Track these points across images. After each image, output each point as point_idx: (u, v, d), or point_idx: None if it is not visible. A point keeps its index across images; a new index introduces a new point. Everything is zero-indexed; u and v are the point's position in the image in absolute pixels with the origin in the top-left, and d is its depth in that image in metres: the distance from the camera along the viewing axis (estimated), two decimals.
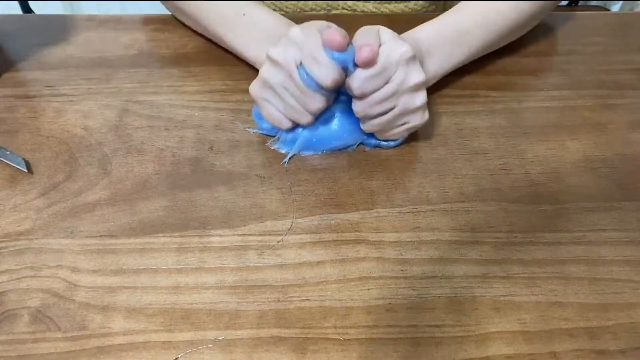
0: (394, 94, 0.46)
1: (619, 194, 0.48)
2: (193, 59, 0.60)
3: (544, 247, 0.44)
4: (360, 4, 0.68)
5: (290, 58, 0.45)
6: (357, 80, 0.45)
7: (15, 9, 1.14)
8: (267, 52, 0.46)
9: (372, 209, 0.46)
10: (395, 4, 0.68)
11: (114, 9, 0.64)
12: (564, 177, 0.49)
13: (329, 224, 0.45)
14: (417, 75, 0.46)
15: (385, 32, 0.47)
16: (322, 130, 0.50)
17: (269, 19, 0.55)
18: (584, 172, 0.50)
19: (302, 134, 0.49)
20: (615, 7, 1.51)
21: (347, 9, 0.69)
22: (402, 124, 0.48)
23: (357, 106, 0.47)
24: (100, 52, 0.61)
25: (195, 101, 0.56)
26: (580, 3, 1.23)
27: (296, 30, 0.46)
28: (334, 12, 0.69)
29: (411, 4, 0.69)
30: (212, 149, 0.51)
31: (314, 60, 0.44)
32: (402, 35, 0.53)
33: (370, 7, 0.68)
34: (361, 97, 0.46)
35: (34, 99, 0.55)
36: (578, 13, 0.71)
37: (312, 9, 0.69)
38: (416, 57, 0.46)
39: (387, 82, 0.45)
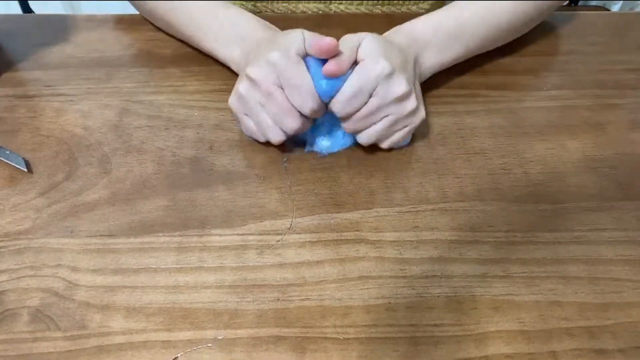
0: (379, 108, 0.45)
1: (619, 193, 0.48)
2: (193, 59, 0.60)
3: (543, 247, 0.44)
4: (353, 7, 0.68)
5: (269, 81, 0.45)
6: (338, 104, 0.45)
7: (15, 9, 1.14)
8: (246, 71, 0.46)
9: (371, 209, 0.46)
10: (388, 6, 0.68)
11: (114, 9, 0.64)
12: (564, 177, 0.49)
13: (328, 223, 0.45)
14: (398, 88, 0.45)
15: (364, 48, 0.45)
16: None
17: (242, 19, 0.54)
18: (583, 172, 0.50)
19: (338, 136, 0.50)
20: (615, 7, 1.51)
21: (338, 12, 0.69)
22: (402, 128, 0.48)
23: (346, 125, 0.47)
24: (100, 52, 0.61)
25: (195, 101, 0.56)
26: (580, 3, 1.23)
27: (275, 55, 0.44)
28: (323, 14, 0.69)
29: (403, 8, 0.69)
30: (212, 149, 0.51)
31: (295, 89, 0.44)
32: (399, 27, 0.53)
33: (363, 9, 0.68)
34: (346, 117, 0.46)
35: (34, 99, 0.55)
36: (578, 13, 0.71)
37: (302, 12, 0.68)
38: (396, 70, 0.45)
39: (370, 97, 0.45)
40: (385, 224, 0.45)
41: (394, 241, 0.44)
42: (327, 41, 0.43)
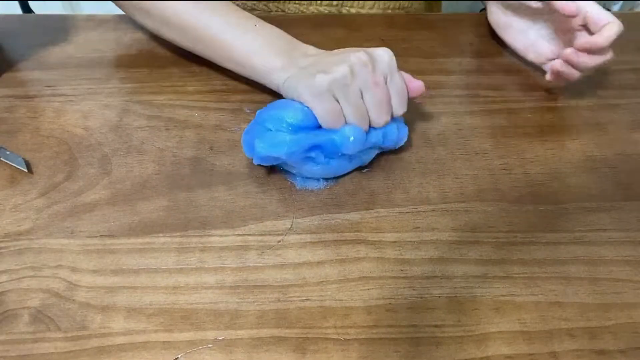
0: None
1: (619, 194, 0.48)
2: (193, 59, 0.60)
3: (544, 247, 0.44)
4: (364, 10, 0.68)
5: (383, 69, 0.46)
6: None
7: (15, 9, 1.14)
8: (357, 54, 0.46)
9: (372, 209, 0.46)
10: (399, 10, 0.68)
11: (114, 9, 0.64)
12: (564, 177, 0.49)
13: (329, 224, 0.45)
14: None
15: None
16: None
17: (282, 34, 0.53)
18: (584, 172, 0.50)
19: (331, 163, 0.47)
20: (615, 7, 1.51)
21: (344, 13, 0.69)
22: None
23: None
24: (100, 52, 0.61)
25: (195, 101, 0.56)
26: None
27: (386, 54, 0.47)
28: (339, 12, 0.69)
29: (415, 4, 0.69)
30: (212, 149, 0.51)
31: (396, 89, 0.47)
32: None
33: (373, 12, 0.68)
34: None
35: (34, 99, 0.55)
36: None
37: (312, 13, 0.69)
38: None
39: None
40: (385, 225, 0.45)
41: (395, 242, 0.44)
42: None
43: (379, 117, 0.46)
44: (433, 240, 0.44)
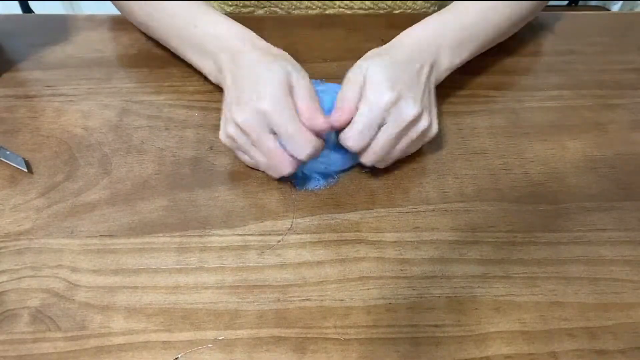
0: (397, 135, 0.45)
1: (619, 194, 0.48)
2: None
3: (544, 247, 0.44)
4: (358, 2, 0.68)
5: (257, 128, 0.43)
6: (351, 140, 0.44)
7: (15, 9, 1.13)
8: (233, 115, 0.44)
9: (372, 209, 0.46)
10: (392, 2, 0.68)
11: (114, 9, 0.64)
12: (564, 177, 0.49)
13: (329, 223, 0.45)
14: (409, 112, 0.44)
15: (369, 79, 0.44)
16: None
17: (222, 31, 0.52)
18: (584, 172, 0.50)
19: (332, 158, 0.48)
20: (615, 7, 1.51)
21: (343, 8, 0.69)
22: (415, 144, 0.48)
23: (364, 158, 0.46)
24: (100, 52, 0.61)
25: (195, 101, 0.56)
26: (580, 3, 1.23)
27: (265, 103, 0.42)
28: (328, 11, 0.69)
29: (409, 3, 0.69)
30: (212, 149, 0.51)
31: (289, 137, 0.43)
32: (401, 37, 0.51)
33: (368, 4, 0.68)
34: (362, 151, 0.45)
35: (34, 99, 0.55)
36: (578, 13, 0.71)
37: (307, 7, 0.68)
38: (403, 95, 0.44)
39: (381, 125, 0.44)
40: (385, 225, 0.45)
41: (395, 242, 0.44)
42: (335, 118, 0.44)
43: (282, 165, 0.44)
44: (433, 240, 0.44)
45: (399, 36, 0.51)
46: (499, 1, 0.55)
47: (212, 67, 0.52)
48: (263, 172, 0.48)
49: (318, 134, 0.44)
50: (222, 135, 0.47)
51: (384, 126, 0.44)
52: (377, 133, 0.44)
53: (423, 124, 0.46)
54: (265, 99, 0.43)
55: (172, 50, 0.58)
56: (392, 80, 0.44)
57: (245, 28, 0.52)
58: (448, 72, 0.53)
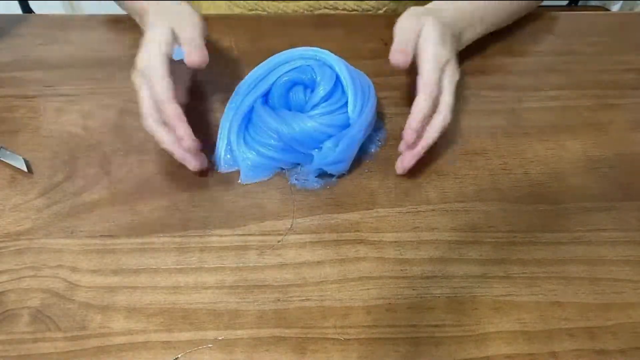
0: (454, 91, 0.48)
1: (619, 194, 0.48)
2: None
3: (544, 247, 0.44)
4: (341, 2, 0.68)
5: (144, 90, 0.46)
6: (422, 97, 0.46)
7: (15, 9, 1.13)
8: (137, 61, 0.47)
9: (372, 209, 0.46)
10: (375, 2, 0.68)
11: (114, 9, 0.64)
12: (564, 177, 0.49)
13: (329, 224, 0.45)
14: (458, 73, 0.48)
15: (426, 38, 0.47)
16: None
17: None
18: (584, 172, 0.50)
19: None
20: (615, 7, 1.51)
21: (328, 8, 0.69)
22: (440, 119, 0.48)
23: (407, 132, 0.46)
24: (100, 52, 0.61)
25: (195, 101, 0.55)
26: (580, 3, 1.23)
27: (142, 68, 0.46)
28: (317, 12, 0.68)
29: (392, 4, 0.69)
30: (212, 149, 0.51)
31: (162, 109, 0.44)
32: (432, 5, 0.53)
33: (351, 4, 0.68)
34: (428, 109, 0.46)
35: (34, 99, 0.55)
36: (578, 13, 0.71)
37: (294, 11, 0.68)
38: (452, 56, 0.48)
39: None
40: (385, 225, 0.45)
41: (395, 242, 0.44)
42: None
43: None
44: (433, 240, 0.44)
45: (435, 2, 0.54)
46: None
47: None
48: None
49: None
50: (133, 75, 0.48)
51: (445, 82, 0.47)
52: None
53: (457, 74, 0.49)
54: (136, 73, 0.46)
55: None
56: (444, 40, 0.48)
57: None
58: (467, 44, 0.56)
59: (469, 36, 0.56)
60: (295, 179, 0.48)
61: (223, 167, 0.48)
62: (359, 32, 0.64)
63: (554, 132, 0.53)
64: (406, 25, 0.48)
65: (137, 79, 0.46)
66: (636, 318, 0.40)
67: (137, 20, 0.58)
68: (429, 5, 0.53)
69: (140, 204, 0.46)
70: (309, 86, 0.48)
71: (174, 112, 0.44)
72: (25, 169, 0.48)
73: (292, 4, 0.68)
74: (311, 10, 0.69)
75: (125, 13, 0.64)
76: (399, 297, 0.41)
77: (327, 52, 0.49)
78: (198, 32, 0.47)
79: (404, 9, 0.53)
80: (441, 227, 0.45)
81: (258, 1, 0.68)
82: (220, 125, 0.50)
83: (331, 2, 0.68)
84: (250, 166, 0.48)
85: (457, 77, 0.48)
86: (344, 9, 0.69)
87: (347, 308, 0.40)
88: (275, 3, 0.68)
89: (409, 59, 0.46)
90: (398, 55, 0.46)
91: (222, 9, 0.69)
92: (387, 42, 0.50)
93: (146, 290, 0.41)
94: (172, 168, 0.49)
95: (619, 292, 0.41)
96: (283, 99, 0.49)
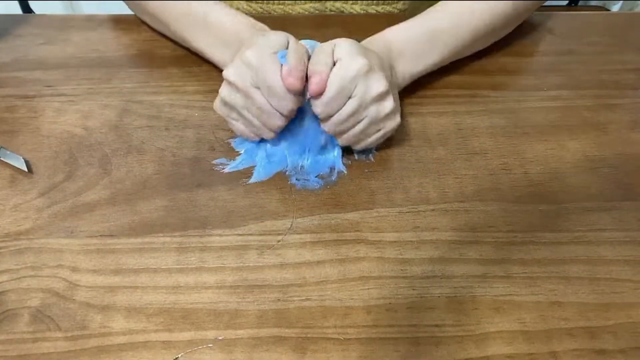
0: (359, 108, 0.45)
1: (619, 194, 0.48)
2: (193, 59, 0.60)
3: (544, 247, 0.44)
4: (348, 5, 0.68)
5: (245, 81, 0.45)
6: (320, 105, 0.45)
7: (15, 9, 1.14)
8: (224, 73, 0.46)
9: (372, 209, 0.46)
10: (383, 6, 0.68)
11: (114, 9, 0.64)
12: (564, 177, 0.49)
13: (329, 223, 0.45)
14: (378, 86, 0.45)
15: (340, 49, 0.45)
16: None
17: (230, 22, 0.54)
18: (584, 172, 0.50)
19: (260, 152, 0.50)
20: (615, 7, 1.51)
21: (334, 11, 0.69)
22: (377, 132, 0.48)
23: (327, 126, 0.46)
24: (100, 52, 0.61)
25: (195, 101, 0.56)
26: (580, 3, 1.23)
27: (249, 53, 0.44)
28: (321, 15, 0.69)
29: (399, 5, 0.69)
30: (212, 149, 0.51)
31: (270, 90, 0.44)
32: (372, 37, 0.52)
33: (357, 8, 0.68)
34: (326, 119, 0.46)
35: (34, 99, 0.55)
36: (578, 13, 0.71)
37: (299, 13, 0.69)
38: (374, 68, 0.45)
39: (349, 98, 0.45)
40: (385, 225, 0.45)
41: (395, 241, 0.44)
42: (300, 76, 0.43)
43: (271, 119, 0.46)
44: (433, 240, 0.44)
45: (363, 41, 0.52)
46: (478, 4, 0.55)
47: (227, 58, 0.53)
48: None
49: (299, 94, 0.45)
50: (216, 103, 0.49)
51: (351, 98, 0.45)
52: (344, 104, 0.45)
53: (388, 105, 0.46)
54: (251, 51, 0.44)
55: (181, 41, 0.59)
56: (364, 54, 0.45)
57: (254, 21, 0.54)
58: (407, 81, 0.54)
59: (411, 69, 0.53)
60: (296, 179, 0.48)
61: (237, 167, 0.50)
62: (359, 32, 0.64)
63: (554, 132, 0.53)
64: (324, 47, 0.46)
65: (242, 82, 0.45)
66: (636, 318, 0.40)
67: (218, 54, 0.55)
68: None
69: (140, 204, 0.46)
70: None
71: (300, 73, 0.43)
72: (25, 169, 0.48)
73: (297, 7, 0.68)
74: (317, 13, 0.69)
75: (125, 13, 0.64)
76: (399, 297, 0.40)
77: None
78: (305, 53, 0.46)
79: (412, 15, 0.53)
80: (441, 227, 0.45)
81: (264, 3, 0.68)
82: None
83: (338, 3, 0.68)
84: (264, 164, 0.49)
85: (373, 90, 0.45)
86: (350, 13, 0.69)
87: (347, 308, 0.40)
88: (281, 6, 0.68)
89: (323, 84, 0.44)
90: (313, 82, 0.44)
91: None
92: None
93: (146, 290, 0.41)
94: (172, 168, 0.49)
95: (619, 292, 0.41)
96: None
